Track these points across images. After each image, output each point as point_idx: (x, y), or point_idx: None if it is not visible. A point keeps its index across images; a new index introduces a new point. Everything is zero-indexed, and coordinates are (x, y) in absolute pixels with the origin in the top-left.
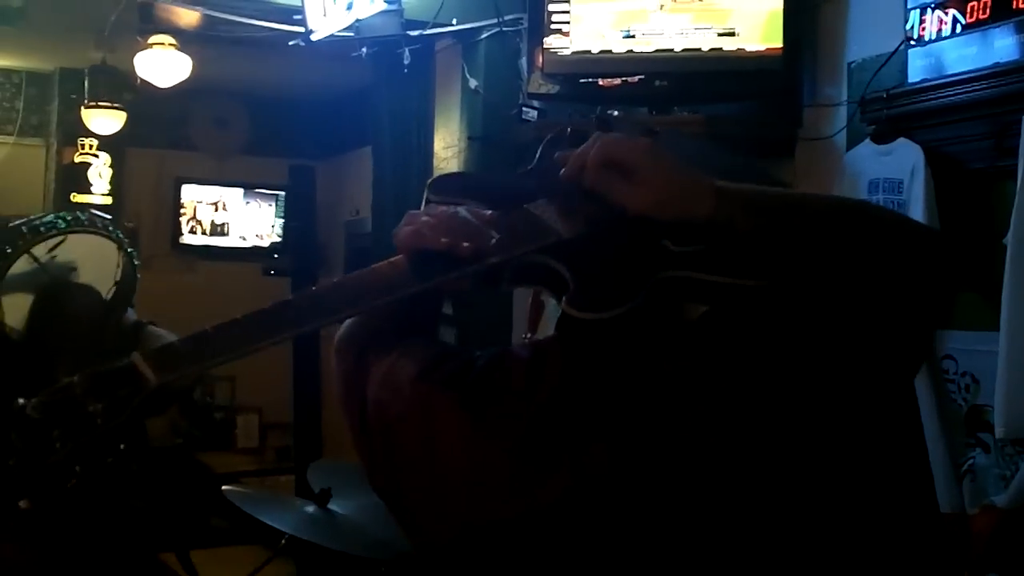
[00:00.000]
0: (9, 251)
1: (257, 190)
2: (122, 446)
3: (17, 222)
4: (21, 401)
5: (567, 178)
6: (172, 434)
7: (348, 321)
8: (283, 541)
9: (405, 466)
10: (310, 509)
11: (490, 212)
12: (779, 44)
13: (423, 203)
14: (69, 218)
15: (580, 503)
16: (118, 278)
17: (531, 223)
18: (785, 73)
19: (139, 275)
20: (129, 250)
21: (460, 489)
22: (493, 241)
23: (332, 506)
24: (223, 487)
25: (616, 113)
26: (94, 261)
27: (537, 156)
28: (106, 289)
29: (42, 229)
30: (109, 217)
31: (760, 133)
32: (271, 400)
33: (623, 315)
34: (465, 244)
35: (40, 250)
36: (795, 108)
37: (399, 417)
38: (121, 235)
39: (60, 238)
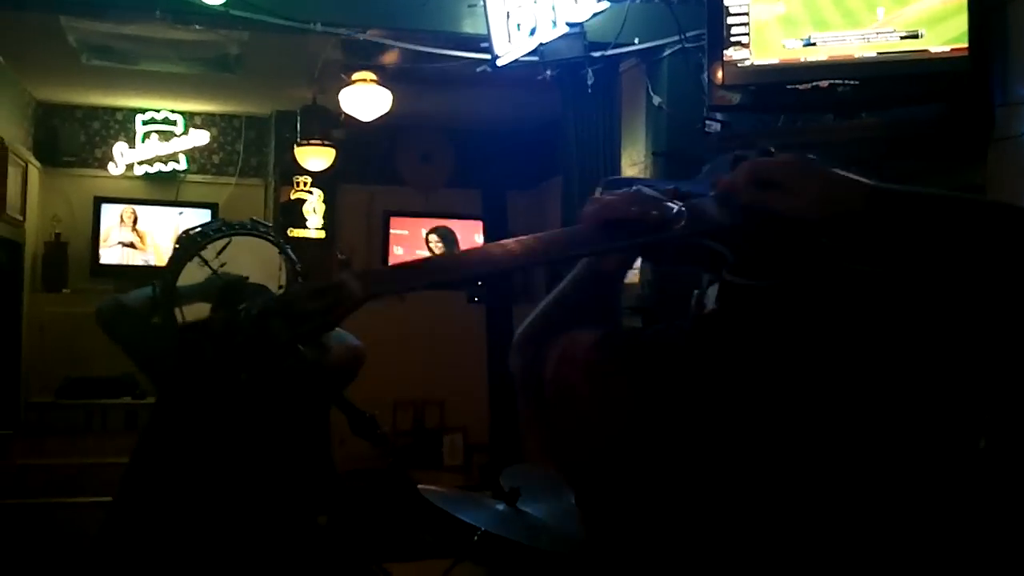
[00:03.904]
0: (181, 254)
1: (457, 221)
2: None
3: (187, 228)
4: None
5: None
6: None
7: (526, 322)
8: (476, 537)
9: (581, 429)
10: (500, 507)
11: (666, 189)
12: (964, 44)
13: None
14: (233, 223)
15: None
16: (282, 282)
17: (698, 210)
18: (972, 73)
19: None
20: (291, 254)
21: (626, 450)
22: (676, 211)
23: (521, 506)
24: (419, 486)
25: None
26: (260, 268)
27: (704, 171)
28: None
29: (210, 232)
30: (270, 224)
31: (949, 134)
32: (475, 421)
33: (778, 287)
34: (654, 212)
35: (209, 254)
36: (986, 108)
37: (576, 385)
38: (282, 240)
39: (226, 240)
